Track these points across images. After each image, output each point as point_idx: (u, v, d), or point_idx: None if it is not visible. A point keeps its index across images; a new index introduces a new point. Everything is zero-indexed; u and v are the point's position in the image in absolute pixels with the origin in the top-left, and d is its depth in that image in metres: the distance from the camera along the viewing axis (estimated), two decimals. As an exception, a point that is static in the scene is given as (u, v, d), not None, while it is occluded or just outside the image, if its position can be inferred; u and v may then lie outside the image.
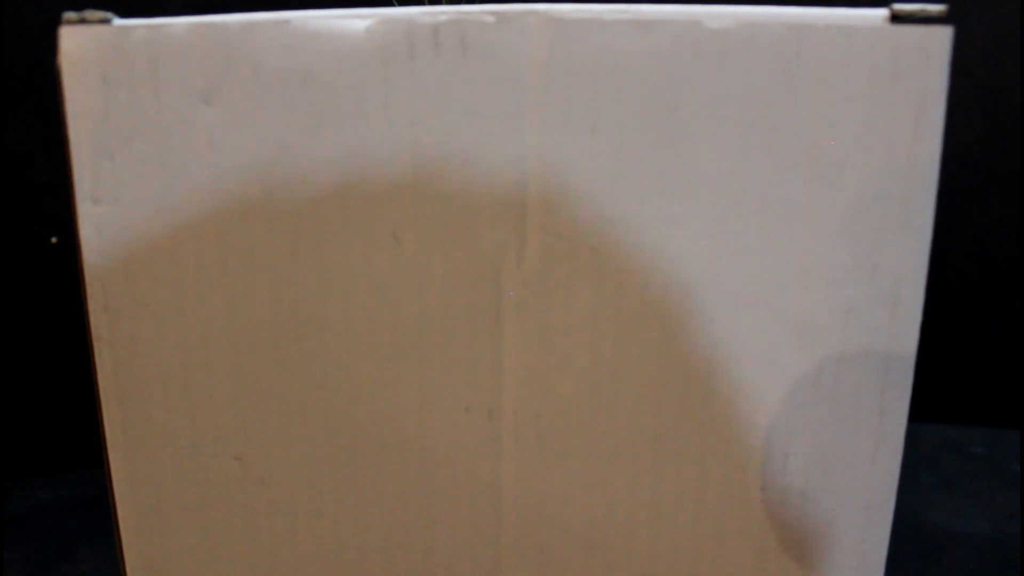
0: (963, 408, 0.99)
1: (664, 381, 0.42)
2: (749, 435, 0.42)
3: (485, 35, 0.38)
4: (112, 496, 0.43)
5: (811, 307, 0.40)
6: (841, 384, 0.41)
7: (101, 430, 0.42)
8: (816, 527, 0.43)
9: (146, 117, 0.38)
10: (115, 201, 0.39)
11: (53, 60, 0.38)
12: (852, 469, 0.42)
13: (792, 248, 0.40)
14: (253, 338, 0.41)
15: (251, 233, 0.40)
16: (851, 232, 0.39)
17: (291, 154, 0.39)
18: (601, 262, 0.40)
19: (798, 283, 0.40)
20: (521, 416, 0.42)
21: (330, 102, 0.39)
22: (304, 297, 0.41)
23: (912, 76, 0.38)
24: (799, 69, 0.38)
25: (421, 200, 0.40)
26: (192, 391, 0.42)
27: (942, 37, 0.37)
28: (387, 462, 0.43)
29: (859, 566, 0.43)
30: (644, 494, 0.43)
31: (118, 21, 0.38)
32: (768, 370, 0.41)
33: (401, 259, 0.40)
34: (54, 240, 0.83)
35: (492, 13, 0.38)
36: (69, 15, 0.37)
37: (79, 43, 0.37)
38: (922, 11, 0.37)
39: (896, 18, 0.37)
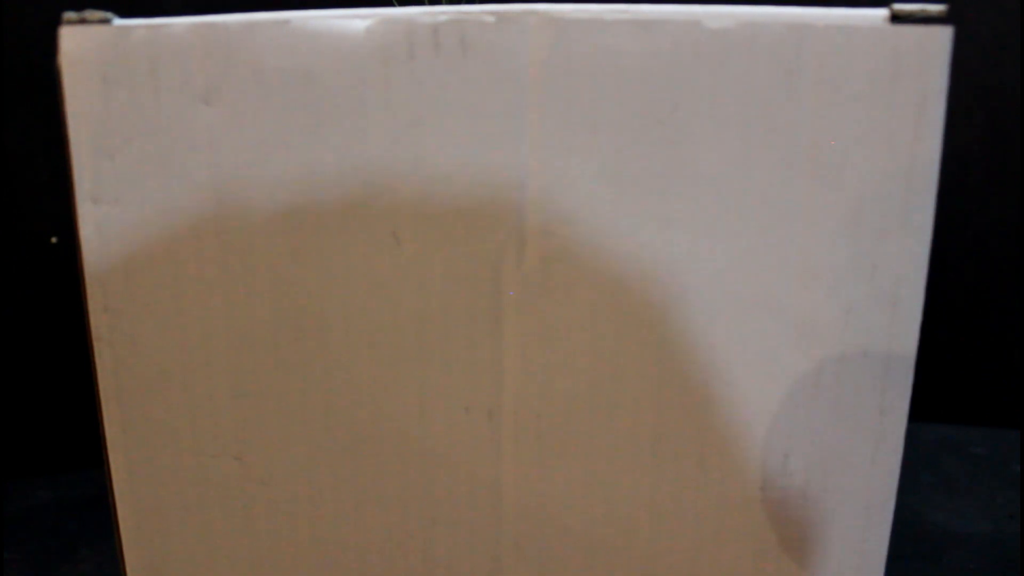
0: (963, 408, 0.99)
1: (664, 381, 0.42)
2: (749, 435, 0.42)
3: (485, 35, 0.38)
4: (112, 496, 0.43)
5: (811, 307, 0.40)
6: (841, 384, 0.41)
7: (101, 430, 0.42)
8: (816, 527, 0.43)
9: (146, 117, 0.38)
10: (115, 201, 0.39)
11: (53, 60, 0.38)
12: (852, 469, 0.42)
13: (792, 248, 0.40)
14: (253, 338, 0.41)
15: (251, 233, 0.40)
16: (851, 232, 0.39)
17: (291, 154, 0.39)
18: (601, 262, 0.40)
19: (798, 283, 0.40)
20: (521, 416, 0.42)
21: (330, 102, 0.39)
22: (304, 297, 0.41)
23: (912, 76, 0.38)
24: (799, 69, 0.38)
25: (421, 200, 0.40)
26: (192, 391, 0.42)
27: (942, 37, 0.37)
28: (387, 462, 0.43)
29: (859, 566, 0.43)
30: (644, 494, 0.43)
31: (118, 21, 0.38)
32: (768, 370, 0.41)
33: (401, 259, 0.40)
34: (54, 240, 0.83)
35: (492, 13, 0.38)
36: (69, 15, 0.37)
37: (79, 43, 0.37)
38: (922, 11, 0.37)
39: (896, 18, 0.37)
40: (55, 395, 0.86)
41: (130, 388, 0.41)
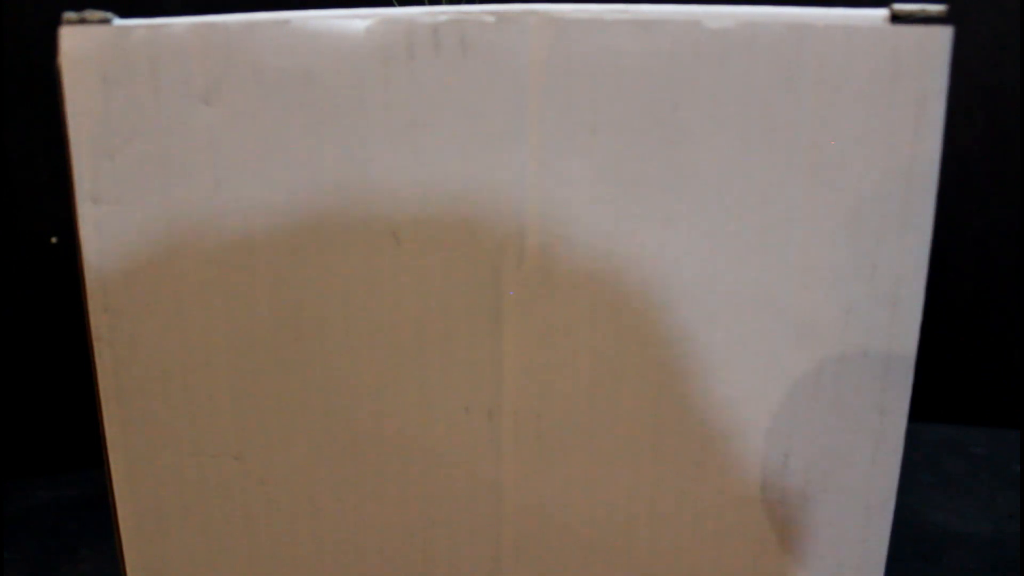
0: (963, 408, 0.99)
1: (663, 381, 0.42)
2: (749, 435, 0.42)
3: (485, 35, 0.38)
4: (112, 496, 0.43)
5: (811, 307, 0.40)
6: (841, 384, 0.41)
7: (101, 430, 0.42)
8: (816, 527, 0.43)
9: (146, 117, 0.38)
10: (115, 201, 0.39)
11: (53, 60, 0.38)
12: (852, 469, 0.42)
13: (792, 248, 0.40)
14: (253, 338, 0.41)
15: (251, 233, 0.40)
16: (851, 232, 0.39)
17: (291, 154, 0.39)
18: (601, 262, 0.40)
19: (798, 283, 0.40)
20: (521, 416, 0.42)
21: (330, 102, 0.39)
22: (304, 297, 0.41)
23: (912, 76, 0.38)
24: (799, 69, 0.38)
25: (421, 200, 0.40)
26: (192, 391, 0.42)
27: (942, 37, 0.37)
28: (387, 462, 0.43)
29: (859, 566, 0.43)
30: (644, 494, 0.43)
31: (118, 21, 0.38)
32: (768, 370, 0.41)
33: (401, 259, 0.40)
34: (54, 240, 0.83)
35: (492, 13, 0.38)
36: (69, 15, 0.37)
37: (79, 43, 0.37)
38: (922, 11, 0.37)
39: (896, 18, 0.37)
40: (55, 395, 0.86)
41: (130, 388, 0.41)
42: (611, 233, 0.40)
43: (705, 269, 0.40)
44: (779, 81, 0.38)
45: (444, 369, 0.42)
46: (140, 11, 0.39)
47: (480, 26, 0.38)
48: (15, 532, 0.76)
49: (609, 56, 0.38)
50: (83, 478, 0.85)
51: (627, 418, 0.42)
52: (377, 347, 0.41)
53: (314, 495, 0.43)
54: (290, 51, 0.38)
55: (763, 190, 0.39)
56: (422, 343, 0.41)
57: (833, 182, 0.39)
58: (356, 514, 0.44)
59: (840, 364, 0.41)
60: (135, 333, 0.41)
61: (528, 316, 0.41)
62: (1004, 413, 0.98)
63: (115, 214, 0.39)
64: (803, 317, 0.41)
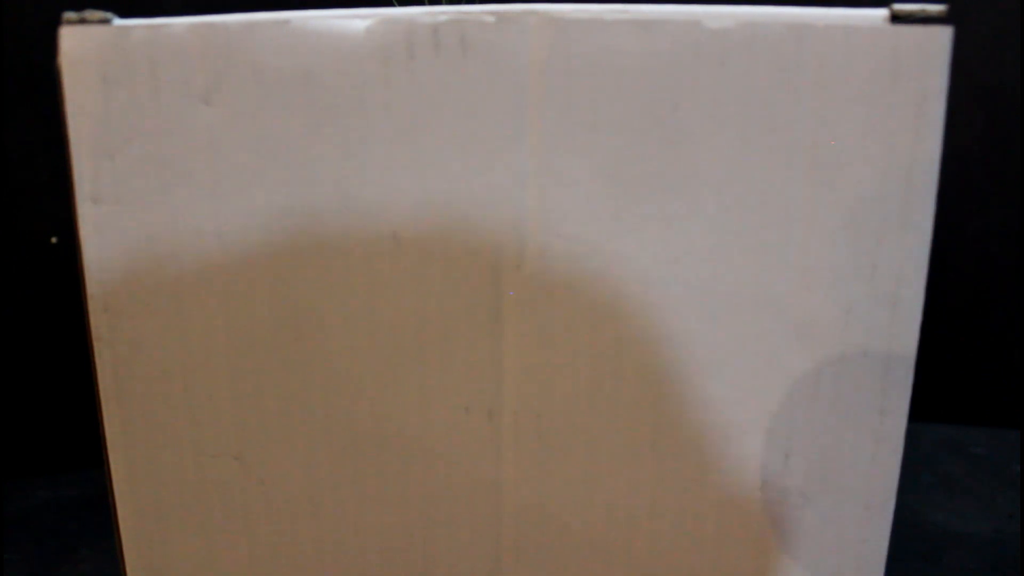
0: (963, 408, 0.99)
1: (663, 381, 0.42)
2: (749, 435, 0.42)
3: (485, 35, 0.38)
4: (112, 496, 0.43)
5: (811, 307, 0.40)
6: (841, 384, 0.41)
7: (101, 430, 0.42)
8: (816, 527, 0.43)
9: (146, 117, 0.38)
10: (115, 201, 0.39)
11: (53, 60, 0.38)
12: (852, 469, 0.42)
13: (792, 248, 0.40)
14: (253, 338, 0.41)
15: (251, 233, 0.40)
16: (851, 232, 0.39)
17: (291, 154, 0.39)
18: (601, 262, 0.40)
19: (798, 283, 0.40)
20: (521, 416, 0.42)
21: (330, 102, 0.39)
22: (304, 297, 0.41)
23: (912, 76, 0.38)
24: (799, 69, 0.38)
25: (421, 200, 0.40)
26: (192, 391, 0.42)
27: (942, 37, 0.37)
28: (387, 462, 0.43)
29: (859, 566, 0.43)
30: (644, 494, 0.43)
31: (118, 21, 0.38)
32: (768, 370, 0.41)
33: (401, 259, 0.40)
34: (54, 240, 0.83)
35: (492, 13, 0.38)
36: (69, 15, 0.37)
37: (79, 43, 0.37)
38: (922, 11, 0.37)
39: (896, 18, 0.37)
40: (55, 395, 0.86)
41: (130, 388, 0.41)
42: (611, 233, 0.40)
43: (705, 269, 0.40)
44: (779, 81, 0.38)
45: (444, 369, 0.42)
46: (140, 11, 0.39)
47: (480, 26, 0.38)
48: (15, 532, 0.76)
49: (609, 56, 0.38)
50: (83, 478, 0.86)
51: (627, 418, 0.42)
52: (377, 347, 0.41)
53: (314, 495, 0.43)
54: (290, 51, 0.38)
55: (763, 190, 0.39)
56: (422, 343, 0.41)
57: (833, 182, 0.39)
58: (356, 514, 0.44)
59: (840, 364, 0.41)
60: (135, 333, 0.41)
61: (528, 316, 0.41)
62: (1004, 413, 0.98)
63: (115, 214, 0.39)
64: (803, 317, 0.41)
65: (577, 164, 0.39)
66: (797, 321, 0.41)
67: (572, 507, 0.44)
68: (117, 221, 0.39)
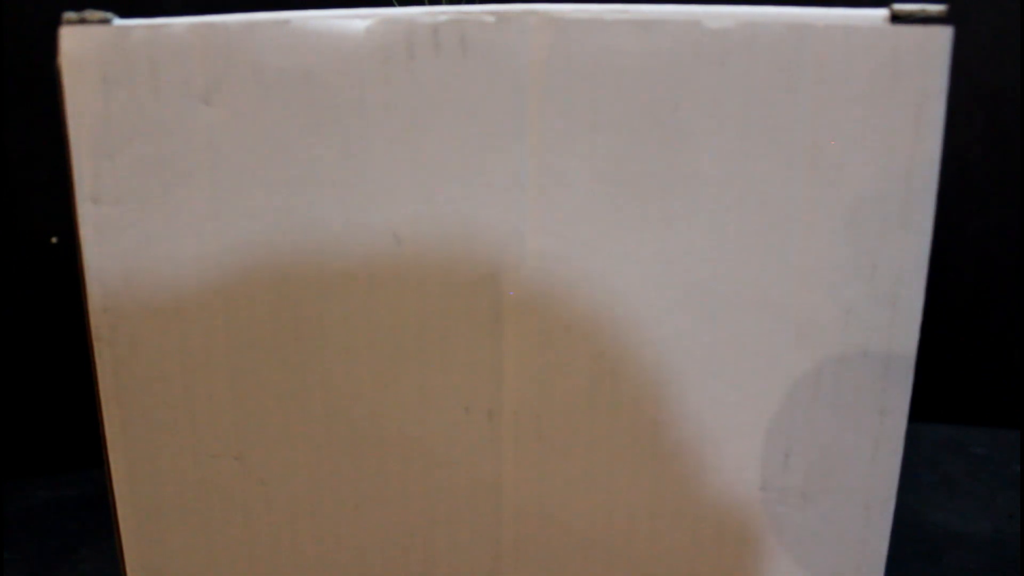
0: (963, 408, 0.99)
1: (663, 381, 0.42)
2: (749, 435, 0.42)
3: (485, 35, 0.38)
4: (112, 496, 0.43)
5: (811, 307, 0.40)
6: (841, 384, 0.41)
7: (101, 430, 0.42)
8: (816, 527, 0.43)
9: (146, 117, 0.38)
10: (115, 201, 0.39)
11: (53, 60, 0.38)
12: (852, 469, 0.42)
13: (792, 248, 0.40)
14: (253, 338, 0.41)
15: (251, 233, 0.40)
16: (851, 232, 0.39)
17: (291, 154, 0.39)
18: (600, 262, 0.40)
19: (798, 283, 0.40)
20: (521, 416, 0.42)
21: (330, 102, 0.39)
22: (304, 297, 0.41)
23: (912, 76, 0.38)
24: (799, 69, 0.38)
25: (421, 200, 0.40)
26: (192, 391, 0.42)
27: (942, 37, 0.37)
28: (387, 462, 0.43)
29: (859, 566, 0.43)
30: (644, 494, 0.43)
31: (118, 21, 0.38)
32: (768, 370, 0.41)
33: (401, 259, 0.40)
34: (54, 240, 0.83)
35: (492, 13, 0.38)
36: (69, 15, 0.37)
37: (79, 43, 0.37)
38: (922, 11, 0.37)
39: (896, 18, 0.37)
40: (55, 395, 0.86)
41: (130, 388, 0.41)
42: (610, 233, 0.40)
43: (705, 269, 0.40)
44: (779, 81, 0.38)
45: (444, 369, 0.42)
46: (140, 11, 0.39)
47: (480, 26, 0.38)
48: (15, 532, 0.76)
49: (609, 56, 0.38)
50: (83, 478, 0.85)
51: (627, 418, 0.42)
52: (377, 347, 0.41)
53: (314, 495, 0.43)
54: (290, 51, 0.38)
55: (763, 190, 0.39)
56: (422, 343, 0.41)
57: (833, 182, 0.39)
58: (356, 514, 0.44)
59: (840, 364, 0.41)
60: (135, 333, 0.41)
61: (528, 316, 0.41)
62: (1004, 413, 0.98)
63: (115, 214, 0.39)
64: (803, 317, 0.41)
65: (577, 164, 0.39)
66: (797, 321, 0.41)
67: (572, 507, 0.44)
68: (117, 221, 0.39)
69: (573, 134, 0.39)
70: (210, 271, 0.40)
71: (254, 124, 0.39)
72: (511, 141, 0.39)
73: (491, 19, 0.38)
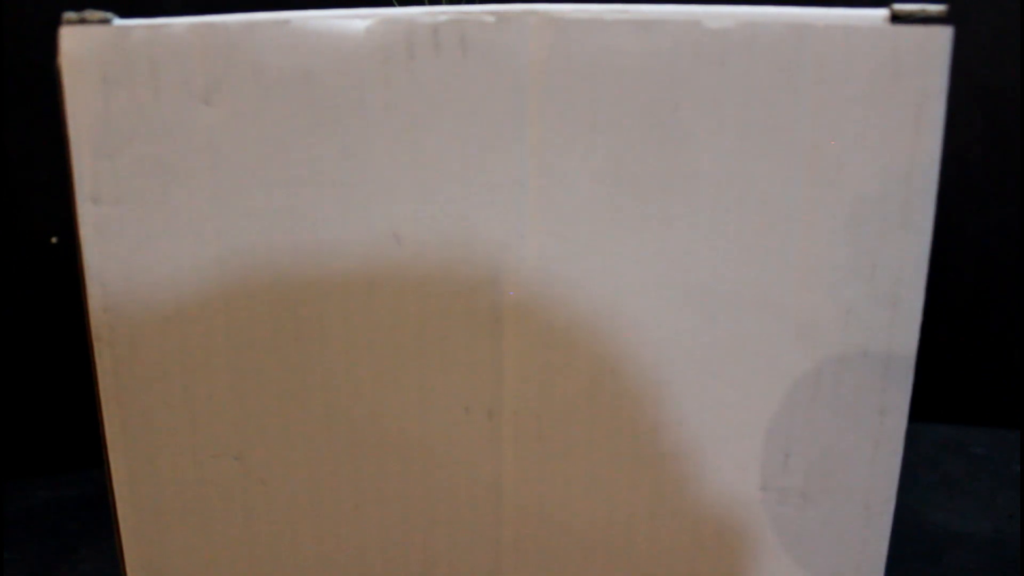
0: (963, 408, 0.99)
1: (663, 381, 0.42)
2: (749, 435, 0.42)
3: (485, 35, 0.38)
4: (112, 496, 0.43)
5: (811, 307, 0.40)
6: (841, 384, 0.41)
7: (101, 430, 0.42)
8: (816, 527, 0.43)
9: (146, 117, 0.38)
10: (115, 201, 0.39)
11: (53, 60, 0.38)
12: (852, 469, 0.42)
13: (792, 248, 0.40)
14: (253, 338, 0.41)
15: (251, 233, 0.40)
16: (851, 232, 0.39)
17: (291, 154, 0.39)
18: (600, 261, 0.40)
19: (798, 283, 0.40)
20: (521, 416, 0.42)
21: (330, 102, 0.39)
22: (304, 297, 0.41)
23: (912, 76, 0.38)
24: (799, 69, 0.38)
25: (421, 200, 0.40)
26: (192, 391, 0.42)
27: (942, 37, 0.37)
28: (387, 462, 0.43)
29: (859, 566, 0.43)
30: (644, 494, 0.43)
31: (118, 21, 0.38)
32: (768, 370, 0.41)
33: (401, 259, 0.40)
34: (54, 240, 0.83)
35: (492, 13, 0.38)
36: (69, 15, 0.37)
37: (79, 43, 0.37)
38: (922, 11, 0.37)
39: (896, 18, 0.37)
40: (55, 395, 0.86)
41: (130, 388, 0.41)
42: (610, 233, 0.40)
43: (705, 269, 0.40)
44: (779, 81, 0.38)
45: (444, 369, 0.42)
46: (140, 11, 0.39)
47: (480, 26, 0.38)
48: (15, 532, 0.76)
49: (609, 56, 0.38)
50: (83, 478, 0.85)
51: (627, 418, 0.42)
52: (377, 347, 0.41)
53: (314, 495, 0.43)
54: (290, 51, 0.38)
55: (763, 190, 0.39)
56: (422, 343, 0.41)
57: (833, 182, 0.39)
58: (356, 514, 0.44)
59: (840, 364, 0.41)
60: (135, 333, 0.41)
61: (528, 316, 0.41)
62: (1004, 413, 0.98)
63: (115, 214, 0.39)
64: (803, 317, 0.41)
65: (577, 164, 0.39)
66: (797, 321, 0.41)
67: (572, 507, 0.44)
68: (117, 221, 0.39)
69: (573, 134, 0.39)
70: (210, 271, 0.40)
71: (254, 124, 0.39)
72: (511, 141, 0.39)
73: (491, 19, 0.38)
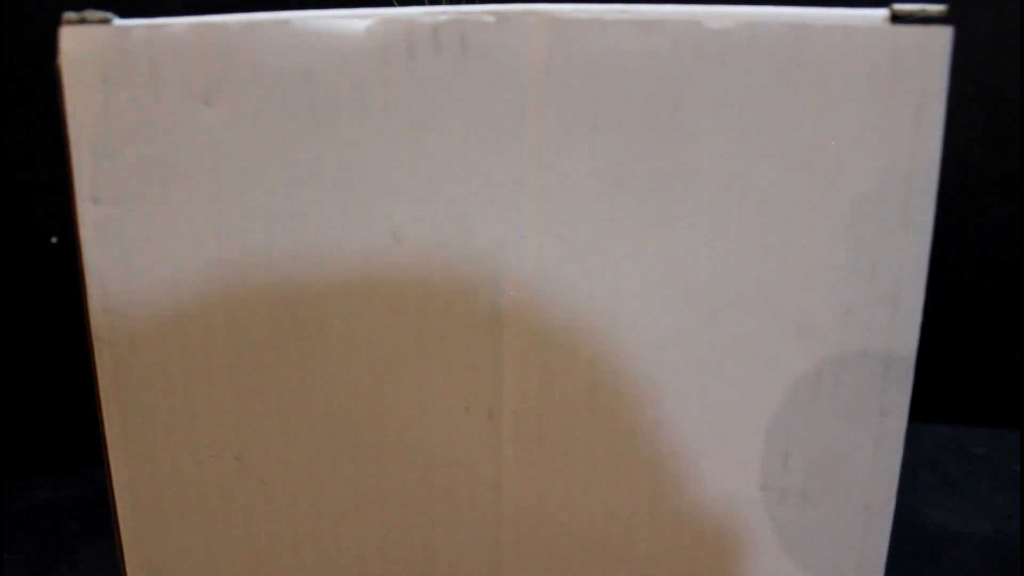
0: (963, 408, 0.99)
1: (663, 381, 0.42)
2: (749, 435, 0.42)
3: (485, 35, 0.38)
4: (112, 496, 0.43)
5: (811, 307, 0.40)
6: (841, 384, 0.41)
7: (101, 430, 0.42)
8: (816, 527, 0.43)
9: (146, 117, 0.38)
10: (115, 201, 0.39)
11: (53, 60, 0.38)
12: (852, 469, 0.42)
13: (792, 248, 0.40)
14: (253, 338, 0.41)
15: (251, 233, 0.40)
16: (851, 232, 0.39)
17: (291, 154, 0.39)
18: (600, 261, 0.40)
19: (798, 283, 0.40)
20: (521, 416, 0.42)
21: (330, 102, 0.39)
22: (304, 297, 0.41)
23: (912, 76, 0.38)
24: (799, 69, 0.38)
25: (421, 200, 0.40)
26: (192, 391, 0.42)
27: (942, 37, 0.37)
28: (387, 462, 0.43)
29: (859, 566, 0.43)
30: (644, 494, 0.43)
31: (118, 21, 0.38)
32: (768, 370, 0.41)
33: (401, 259, 0.40)
34: (54, 240, 0.83)
35: (492, 13, 0.38)
36: (69, 15, 0.37)
37: (79, 43, 0.37)
38: (922, 11, 0.37)
39: (896, 18, 0.37)
40: (55, 395, 0.86)
41: (130, 388, 0.41)
42: (610, 233, 0.40)
43: (705, 269, 0.40)
44: (779, 81, 0.38)
45: (444, 369, 0.42)
46: (140, 11, 0.39)
47: (480, 26, 0.38)
48: (15, 532, 0.76)
49: (609, 56, 0.38)
50: (83, 478, 0.85)
51: (627, 418, 0.42)
52: (377, 347, 0.41)
53: (314, 495, 0.43)
54: (290, 51, 0.38)
55: (763, 190, 0.39)
56: (422, 343, 0.41)
57: (833, 182, 0.39)
58: (356, 514, 0.44)
59: (840, 364, 0.41)
60: (135, 333, 0.41)
61: (528, 316, 0.41)
62: (1004, 413, 0.98)
63: (115, 214, 0.39)
64: (803, 317, 0.41)
65: (577, 164, 0.39)
66: (797, 321, 0.41)
67: (572, 507, 0.44)
68: (117, 221, 0.39)
69: (573, 134, 0.39)
70: (210, 271, 0.40)
71: (254, 124, 0.39)
72: (511, 141, 0.39)
73: (491, 19, 0.38)
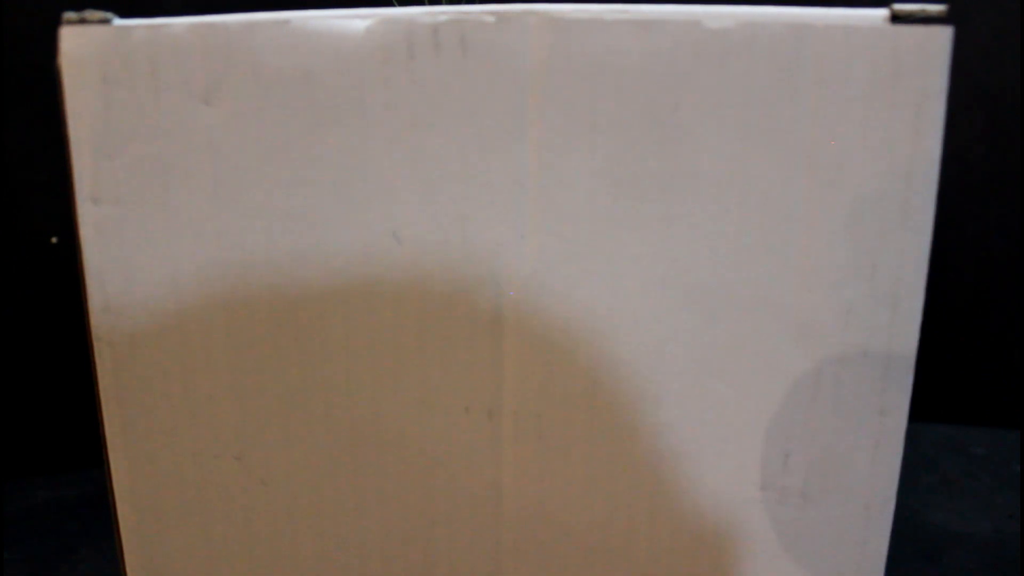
0: (963, 408, 0.99)
1: (663, 380, 0.42)
2: (749, 435, 0.42)
3: (485, 35, 0.38)
4: (112, 496, 0.43)
5: (811, 307, 0.40)
6: (841, 384, 0.41)
7: (101, 430, 0.42)
8: (816, 527, 0.43)
9: (146, 117, 0.38)
10: (115, 201, 0.39)
11: (53, 60, 0.38)
12: (852, 469, 0.42)
13: (792, 248, 0.40)
14: (253, 338, 0.41)
15: (251, 233, 0.40)
16: (851, 232, 0.39)
17: (291, 154, 0.39)
18: (600, 261, 0.40)
19: (798, 283, 0.40)
20: (521, 416, 0.42)
21: (330, 102, 0.39)
22: (304, 297, 0.41)
23: (912, 76, 0.38)
24: (799, 69, 0.38)
25: (421, 200, 0.40)
26: (192, 391, 0.42)
27: (942, 37, 0.37)
28: (387, 462, 0.43)
29: (859, 566, 0.43)
30: (644, 494, 0.43)
31: (118, 21, 0.38)
32: (768, 370, 0.41)
33: (401, 259, 0.40)
34: (54, 240, 0.83)
35: (492, 13, 0.38)
36: (69, 15, 0.37)
37: (79, 43, 0.37)
38: (922, 11, 0.37)
39: (896, 18, 0.37)
40: (55, 395, 0.86)
41: (130, 388, 0.41)
42: (610, 233, 0.40)
43: (705, 269, 0.40)
44: (779, 81, 0.38)
45: (444, 369, 0.42)
46: (140, 11, 0.39)
47: (480, 26, 0.38)
48: (15, 532, 0.76)
49: (609, 56, 0.38)
50: (83, 478, 0.86)
51: (627, 418, 0.42)
52: (377, 347, 0.41)
53: (314, 495, 0.43)
54: (290, 51, 0.38)
55: (763, 190, 0.39)
56: (422, 343, 0.41)
57: (833, 182, 0.39)
58: (356, 514, 0.44)
59: (840, 364, 0.41)
60: (135, 333, 0.41)
61: (528, 316, 0.41)
62: (1004, 413, 0.98)
63: (115, 214, 0.39)
64: (803, 317, 0.41)
65: (577, 164, 0.39)
66: (797, 321, 0.41)
67: (572, 508, 0.44)
68: (117, 221, 0.39)
69: (573, 134, 0.39)
70: (210, 271, 0.40)
71: (254, 124, 0.39)
72: (511, 141, 0.39)
73: (491, 19, 0.38)
